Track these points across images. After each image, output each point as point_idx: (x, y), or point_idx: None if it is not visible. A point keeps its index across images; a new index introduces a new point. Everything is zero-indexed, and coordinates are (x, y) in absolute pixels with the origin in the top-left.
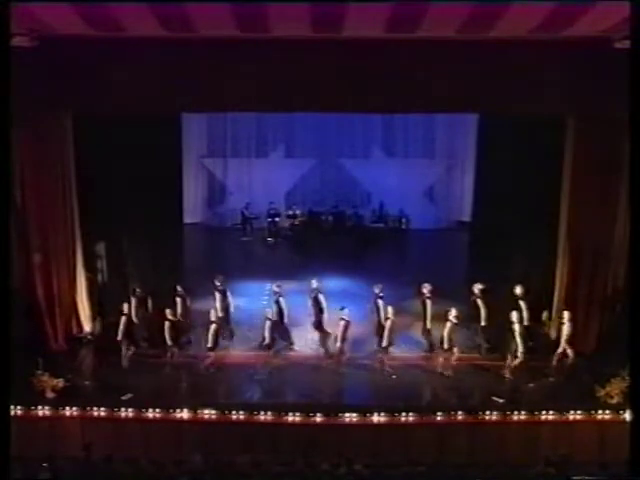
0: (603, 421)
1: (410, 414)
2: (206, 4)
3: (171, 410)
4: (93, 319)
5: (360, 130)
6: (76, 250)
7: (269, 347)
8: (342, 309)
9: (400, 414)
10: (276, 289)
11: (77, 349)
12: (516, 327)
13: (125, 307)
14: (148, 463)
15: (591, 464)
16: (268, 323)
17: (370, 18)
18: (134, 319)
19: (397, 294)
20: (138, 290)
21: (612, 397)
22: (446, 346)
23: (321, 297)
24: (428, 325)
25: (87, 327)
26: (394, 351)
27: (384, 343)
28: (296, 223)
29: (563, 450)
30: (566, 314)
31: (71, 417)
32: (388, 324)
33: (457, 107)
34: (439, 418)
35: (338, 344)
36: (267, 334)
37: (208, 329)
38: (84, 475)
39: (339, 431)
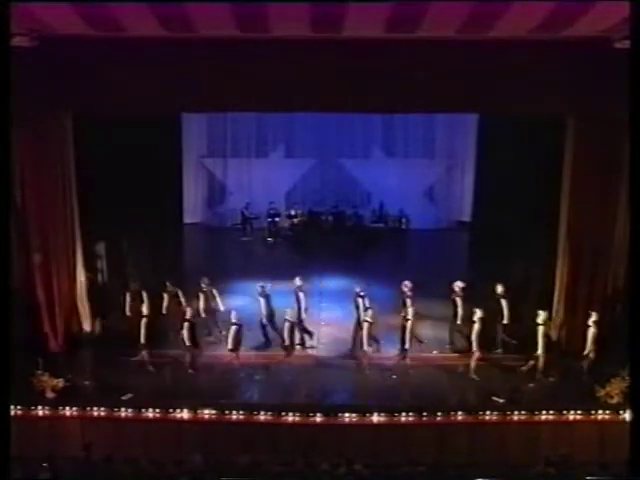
0: (603, 421)
1: (410, 414)
2: (206, 4)
3: (171, 410)
4: (93, 319)
5: (360, 130)
6: (76, 250)
7: (287, 348)
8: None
9: (400, 414)
10: (260, 289)
11: (77, 349)
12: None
13: (144, 309)
14: (148, 463)
15: (591, 464)
16: (287, 324)
17: (370, 18)
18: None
19: (397, 294)
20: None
21: (612, 397)
22: (475, 347)
23: (301, 295)
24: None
25: (87, 327)
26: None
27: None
28: (296, 223)
29: (563, 450)
30: (593, 315)
31: (71, 417)
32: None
33: (457, 107)
34: (439, 418)
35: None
36: (286, 335)
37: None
38: (84, 475)
39: (339, 431)
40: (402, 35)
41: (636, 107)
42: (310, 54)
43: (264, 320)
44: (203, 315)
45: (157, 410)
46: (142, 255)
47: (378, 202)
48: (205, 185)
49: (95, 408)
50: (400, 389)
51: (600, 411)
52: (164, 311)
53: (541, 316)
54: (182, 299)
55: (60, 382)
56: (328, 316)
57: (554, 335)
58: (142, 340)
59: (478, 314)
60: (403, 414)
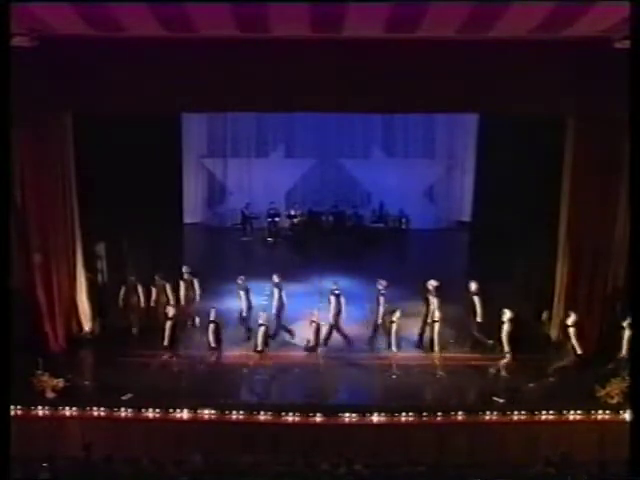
0: (603, 421)
1: (410, 414)
2: (206, 4)
3: (171, 410)
4: (93, 319)
5: (360, 130)
6: (76, 250)
7: (312, 349)
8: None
9: (400, 414)
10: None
11: (77, 349)
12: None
13: (170, 311)
14: (148, 463)
15: (591, 464)
16: (314, 325)
17: (370, 18)
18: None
19: (396, 294)
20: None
21: (612, 397)
22: (507, 348)
23: (275, 292)
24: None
25: (87, 327)
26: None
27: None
28: (296, 223)
29: (563, 450)
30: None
31: (71, 417)
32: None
33: (457, 107)
34: (439, 418)
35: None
36: (312, 336)
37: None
38: (84, 475)
39: (339, 431)
40: (402, 35)
41: (636, 107)
42: (310, 54)
43: (244, 314)
44: (182, 303)
45: (157, 410)
46: (142, 255)
47: (378, 202)
48: (205, 185)
49: (95, 408)
50: (400, 389)
51: (600, 411)
52: (152, 303)
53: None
54: (169, 294)
55: (60, 382)
56: (328, 316)
57: (554, 335)
58: (166, 342)
59: (507, 314)
60: (403, 414)
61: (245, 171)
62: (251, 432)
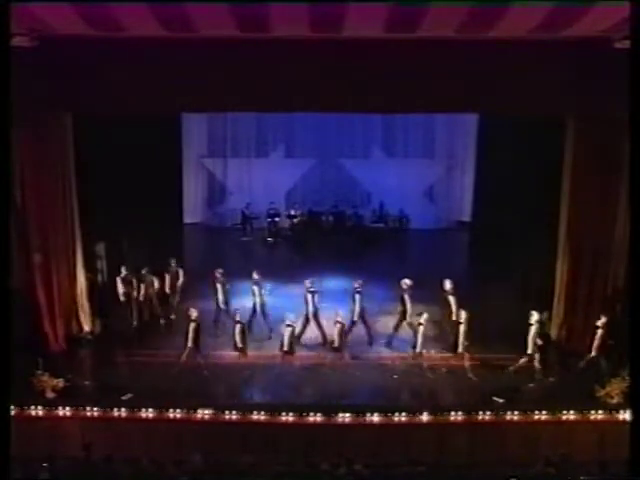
0: (603, 421)
1: (410, 414)
2: (206, 4)
3: (171, 410)
4: (93, 319)
5: (360, 130)
6: (76, 250)
7: (338, 349)
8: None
9: (400, 414)
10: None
11: (77, 349)
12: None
13: (194, 313)
14: (148, 463)
15: (591, 464)
16: (338, 326)
17: (370, 18)
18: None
19: (396, 294)
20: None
21: (612, 397)
22: (530, 350)
23: (255, 289)
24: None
25: (87, 327)
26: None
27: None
28: (296, 223)
29: (563, 450)
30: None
31: (71, 417)
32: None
33: (457, 107)
34: (439, 418)
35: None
36: (337, 337)
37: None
38: (84, 475)
39: (339, 431)
40: (402, 35)
41: (636, 107)
42: (310, 54)
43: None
44: (168, 291)
45: (157, 410)
46: (142, 255)
47: (378, 202)
48: (205, 185)
49: (95, 408)
50: (400, 389)
51: (600, 411)
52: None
53: (534, 316)
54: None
55: (60, 382)
56: (328, 316)
57: (554, 335)
58: (190, 343)
59: (535, 317)
60: (403, 414)
61: (245, 171)
62: (251, 432)
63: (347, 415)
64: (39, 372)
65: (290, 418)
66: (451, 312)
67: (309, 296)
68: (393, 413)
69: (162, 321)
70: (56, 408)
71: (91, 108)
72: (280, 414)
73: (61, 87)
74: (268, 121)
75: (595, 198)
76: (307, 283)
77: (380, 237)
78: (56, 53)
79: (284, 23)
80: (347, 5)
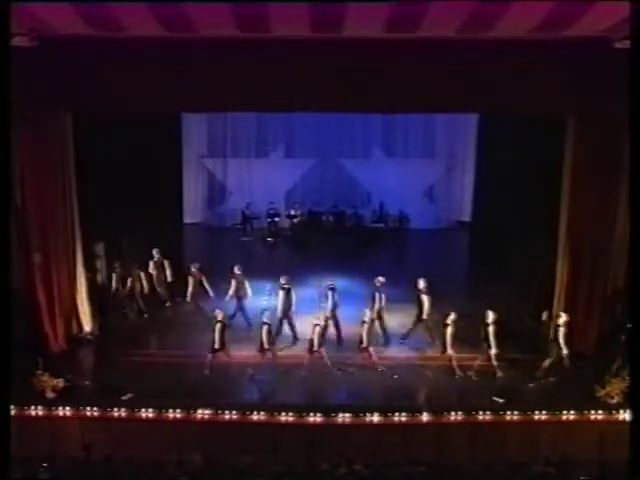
0: (603, 421)
1: (409, 414)
2: (206, 4)
3: (171, 410)
4: (93, 319)
5: (360, 130)
6: (76, 250)
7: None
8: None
9: (400, 414)
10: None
11: (77, 349)
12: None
13: (219, 314)
14: (148, 463)
15: (591, 464)
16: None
17: (370, 18)
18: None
19: (396, 294)
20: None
21: (612, 397)
22: (565, 350)
23: (231, 283)
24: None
25: (87, 327)
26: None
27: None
28: (296, 223)
29: (563, 450)
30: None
31: (71, 417)
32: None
33: (457, 107)
34: (439, 418)
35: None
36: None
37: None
38: (84, 475)
39: (339, 431)
40: (402, 35)
41: (636, 107)
42: (310, 54)
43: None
44: (155, 283)
45: (157, 410)
46: (142, 255)
47: (378, 202)
48: (205, 185)
49: (95, 408)
50: (400, 389)
51: (600, 411)
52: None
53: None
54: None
55: (60, 382)
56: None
57: (554, 335)
58: (217, 345)
59: (563, 318)
60: (403, 414)
61: (245, 171)
62: (251, 432)
63: (347, 415)
64: (39, 372)
65: (290, 418)
66: (422, 311)
67: (281, 292)
68: (393, 413)
69: (146, 315)
70: (56, 408)
71: (91, 108)
72: (280, 414)
73: (61, 87)
74: (268, 121)
75: (595, 198)
76: (281, 280)
77: (380, 237)
78: (56, 53)
79: (284, 23)
80: (347, 5)
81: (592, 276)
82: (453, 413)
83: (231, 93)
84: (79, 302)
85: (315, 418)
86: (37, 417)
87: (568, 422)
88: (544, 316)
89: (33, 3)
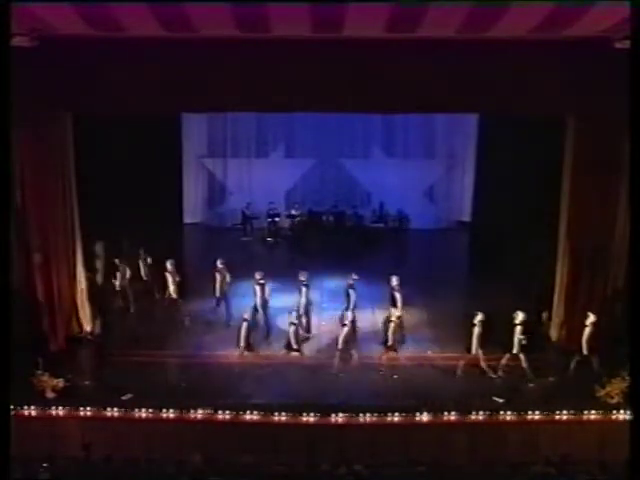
0: (603, 421)
1: (409, 414)
2: (206, 4)
3: (171, 410)
4: (93, 319)
5: (360, 130)
6: (76, 250)
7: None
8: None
9: (400, 414)
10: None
11: (77, 349)
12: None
13: (246, 314)
14: (148, 463)
15: (591, 464)
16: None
17: (370, 18)
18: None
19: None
20: None
21: (612, 397)
22: (585, 351)
23: (215, 277)
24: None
25: (87, 327)
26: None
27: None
28: (296, 223)
29: (563, 450)
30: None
31: (71, 417)
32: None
33: (457, 107)
34: (438, 418)
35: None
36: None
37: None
38: (84, 475)
39: (339, 431)
40: (402, 35)
41: (636, 107)
42: (310, 54)
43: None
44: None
45: (157, 410)
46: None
47: (378, 202)
48: (205, 185)
49: (95, 408)
50: (399, 389)
51: (600, 411)
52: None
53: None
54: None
55: (60, 382)
56: (329, 316)
57: (554, 335)
58: (242, 343)
59: (591, 318)
60: (403, 414)
61: (245, 171)
62: (251, 432)
63: (347, 415)
64: (39, 372)
65: (290, 418)
66: (395, 308)
67: (257, 288)
68: (393, 413)
69: (132, 310)
70: (56, 408)
71: (91, 108)
72: (280, 414)
73: (61, 87)
74: (268, 121)
75: (595, 198)
76: (257, 275)
77: (380, 237)
78: (56, 53)
79: (284, 23)
80: (347, 5)
81: (592, 276)
82: (452, 413)
83: (231, 93)
84: (79, 302)
85: (315, 418)
86: (37, 417)
87: (568, 422)
88: (544, 316)
89: (33, 3)
